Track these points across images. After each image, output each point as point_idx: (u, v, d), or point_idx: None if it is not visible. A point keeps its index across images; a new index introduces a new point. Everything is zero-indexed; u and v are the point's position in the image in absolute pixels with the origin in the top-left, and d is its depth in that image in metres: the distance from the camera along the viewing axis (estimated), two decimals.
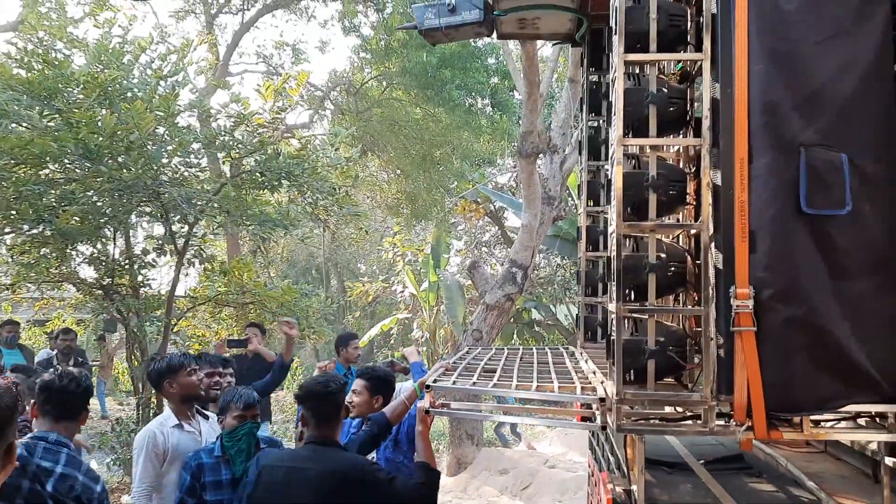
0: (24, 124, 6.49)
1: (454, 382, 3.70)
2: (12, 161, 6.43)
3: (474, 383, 3.65)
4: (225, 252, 15.45)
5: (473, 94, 14.81)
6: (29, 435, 2.90)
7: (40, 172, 6.80)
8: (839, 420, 3.31)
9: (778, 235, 3.01)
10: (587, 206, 5.51)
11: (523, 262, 9.69)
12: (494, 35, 5.52)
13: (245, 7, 16.03)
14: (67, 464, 2.81)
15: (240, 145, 7.63)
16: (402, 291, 20.09)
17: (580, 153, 5.65)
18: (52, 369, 3.11)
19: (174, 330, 8.06)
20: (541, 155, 9.58)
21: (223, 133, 7.59)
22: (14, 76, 6.57)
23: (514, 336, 17.11)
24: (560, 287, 17.39)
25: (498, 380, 3.72)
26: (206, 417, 4.21)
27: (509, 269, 9.77)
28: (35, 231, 6.88)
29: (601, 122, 5.54)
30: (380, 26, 14.45)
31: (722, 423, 3.15)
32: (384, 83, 16.23)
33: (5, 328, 8.81)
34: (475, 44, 14.55)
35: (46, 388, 2.95)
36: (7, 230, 6.81)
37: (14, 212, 6.54)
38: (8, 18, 14.03)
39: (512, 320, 15.98)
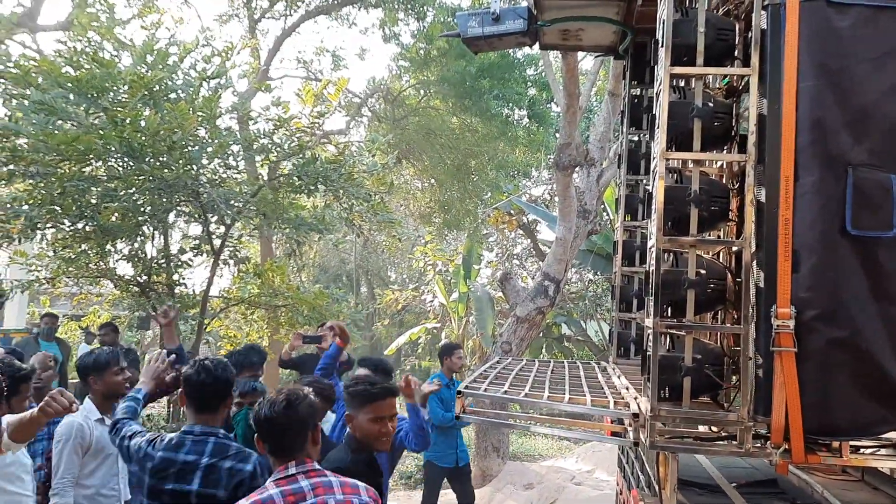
0: (71, 121, 6.63)
1: (485, 390, 3.68)
2: (58, 157, 6.57)
3: (506, 392, 3.62)
4: (258, 254, 15.60)
5: (511, 104, 14.80)
6: (182, 429, 2.98)
7: (84, 169, 6.93)
8: (879, 447, 3.23)
9: (822, 255, 2.95)
10: (624, 220, 5.46)
11: (556, 275, 9.62)
12: (536, 45, 5.51)
13: (287, 13, 16.21)
14: (213, 454, 2.84)
15: (278, 149, 7.72)
16: (432, 301, 20.11)
17: (619, 167, 5.61)
18: (193, 361, 3.13)
19: (206, 329, 8.16)
20: (578, 168, 9.53)
21: (262, 136, 7.68)
22: (63, 74, 6.72)
23: (543, 350, 17.01)
24: (591, 303, 17.25)
25: (529, 390, 3.69)
26: None
27: (541, 282, 9.71)
28: (77, 226, 7.02)
29: (641, 135, 5.49)
30: (420, 35, 14.53)
31: (758, 444, 3.09)
32: (422, 91, 16.31)
33: (44, 320, 9.01)
34: (514, 54, 14.56)
35: (186, 380, 3.01)
36: (49, 225, 6.94)
37: (58, 207, 6.67)
38: (58, 18, 14.39)
39: (541, 334, 15.89)
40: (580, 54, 9.43)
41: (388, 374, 4.32)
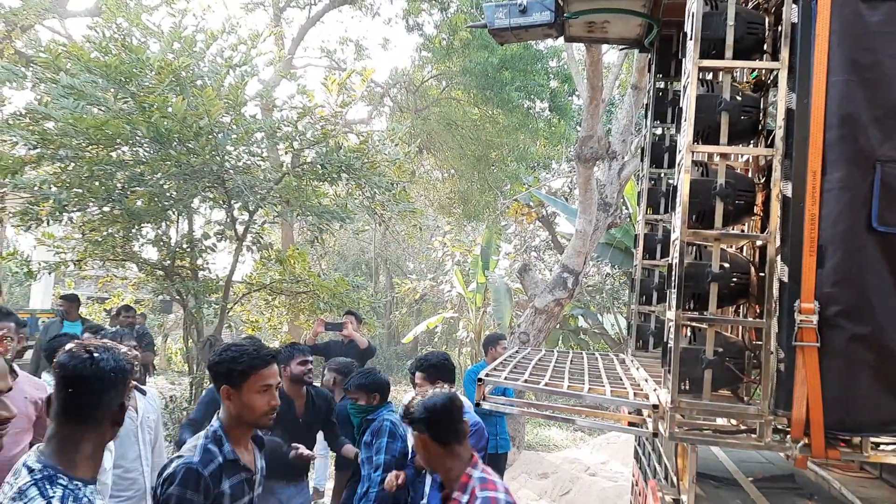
0: (100, 106, 6.73)
1: (505, 378, 3.71)
2: (86, 141, 6.67)
3: (526, 381, 3.66)
4: (280, 241, 15.73)
5: (532, 96, 14.77)
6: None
7: (112, 153, 7.04)
8: None
9: (848, 251, 2.94)
10: (646, 213, 5.46)
11: (575, 267, 9.63)
12: (561, 38, 5.51)
13: (312, 2, 16.27)
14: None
15: (302, 137, 7.78)
16: (450, 291, 20.18)
17: (642, 160, 5.60)
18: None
19: (229, 314, 8.26)
20: (599, 161, 9.52)
21: (287, 124, 7.75)
22: (92, 60, 6.81)
23: (560, 342, 17.03)
24: (608, 296, 17.26)
25: (549, 379, 3.72)
26: (144, 393, 4.43)
27: (560, 274, 9.72)
28: (104, 210, 7.13)
29: (665, 129, 5.48)
30: (443, 25, 14.52)
31: (777, 438, 3.10)
32: (444, 82, 16.32)
33: (61, 302, 9.12)
34: (537, 46, 14.51)
35: None
36: (76, 208, 7.06)
37: (86, 190, 6.78)
38: (87, 5, 14.54)
39: (558, 326, 15.92)
40: (604, 47, 9.40)
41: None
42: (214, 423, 2.78)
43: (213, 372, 2.80)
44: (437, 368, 4.32)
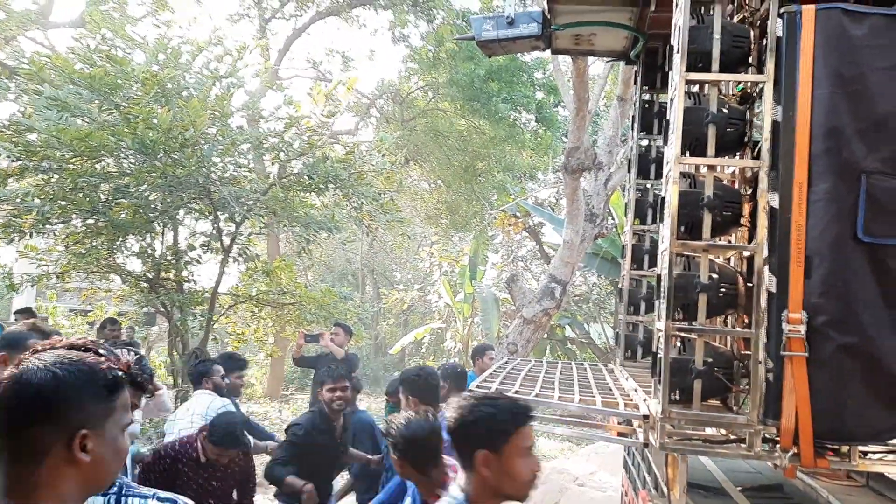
0: (84, 118, 6.68)
1: (496, 389, 3.71)
2: (70, 153, 6.62)
3: (516, 391, 3.65)
4: (266, 252, 15.66)
5: (519, 107, 14.83)
6: None
7: (96, 165, 6.99)
8: (887, 452, 3.25)
9: (835, 262, 2.97)
10: (634, 224, 5.48)
11: (562, 277, 9.65)
12: (548, 50, 5.53)
13: (298, 13, 16.30)
14: None
15: (288, 147, 7.77)
16: (437, 301, 20.16)
17: (629, 171, 5.63)
18: None
19: (214, 326, 8.20)
20: (586, 172, 9.56)
21: (273, 135, 7.73)
22: (76, 71, 6.78)
23: (547, 352, 17.04)
24: (595, 306, 17.30)
25: (540, 390, 3.72)
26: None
27: (548, 285, 9.74)
28: (88, 222, 7.07)
29: (652, 140, 5.51)
30: (429, 37, 14.57)
31: (766, 448, 3.12)
32: (430, 93, 16.36)
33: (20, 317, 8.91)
34: (523, 58, 14.58)
35: None
36: (60, 220, 6.99)
37: (70, 202, 6.73)
38: (70, 16, 14.49)
39: (546, 336, 15.93)
40: (590, 59, 9.46)
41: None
42: (458, 496, 2.23)
43: (463, 434, 2.21)
44: (409, 383, 4.28)
